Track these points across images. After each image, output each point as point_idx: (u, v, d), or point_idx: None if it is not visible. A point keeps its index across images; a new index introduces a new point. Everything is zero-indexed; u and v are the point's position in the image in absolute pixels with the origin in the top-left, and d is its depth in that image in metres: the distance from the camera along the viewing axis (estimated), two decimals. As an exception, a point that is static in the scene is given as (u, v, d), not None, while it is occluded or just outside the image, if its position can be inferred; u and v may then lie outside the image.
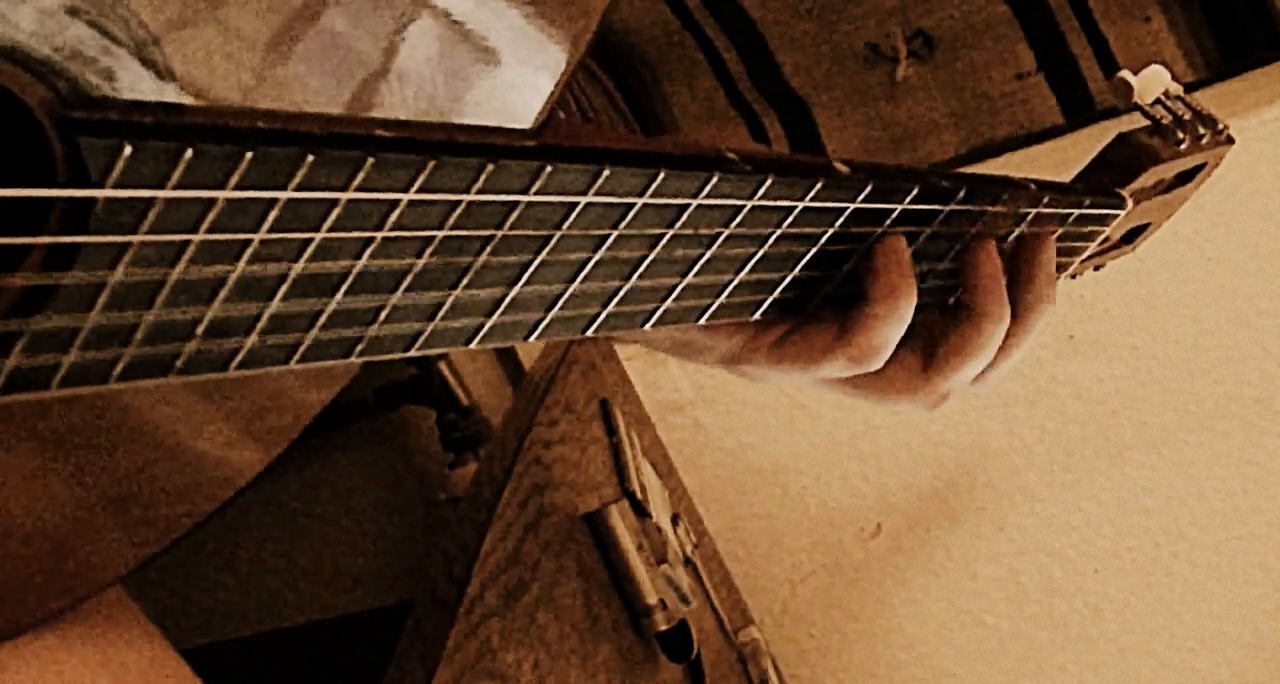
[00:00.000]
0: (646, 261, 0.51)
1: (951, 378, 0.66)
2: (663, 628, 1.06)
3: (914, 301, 0.62)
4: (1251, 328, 1.41)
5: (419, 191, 0.42)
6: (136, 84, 0.39)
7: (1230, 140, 0.76)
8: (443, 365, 1.49)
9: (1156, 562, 1.47)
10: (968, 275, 0.65)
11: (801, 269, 0.59)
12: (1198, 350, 1.42)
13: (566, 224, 0.47)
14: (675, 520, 1.22)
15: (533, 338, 0.50)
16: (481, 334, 0.48)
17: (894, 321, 0.62)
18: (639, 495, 1.15)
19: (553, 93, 0.47)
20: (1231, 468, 1.45)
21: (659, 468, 1.29)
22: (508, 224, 0.45)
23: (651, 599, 1.06)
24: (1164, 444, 1.45)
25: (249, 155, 0.38)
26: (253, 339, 0.43)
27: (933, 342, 0.66)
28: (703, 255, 0.54)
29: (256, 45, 0.41)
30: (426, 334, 0.47)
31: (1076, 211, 0.68)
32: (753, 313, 0.60)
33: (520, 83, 0.46)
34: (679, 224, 0.51)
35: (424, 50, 0.44)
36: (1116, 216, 0.71)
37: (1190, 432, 1.44)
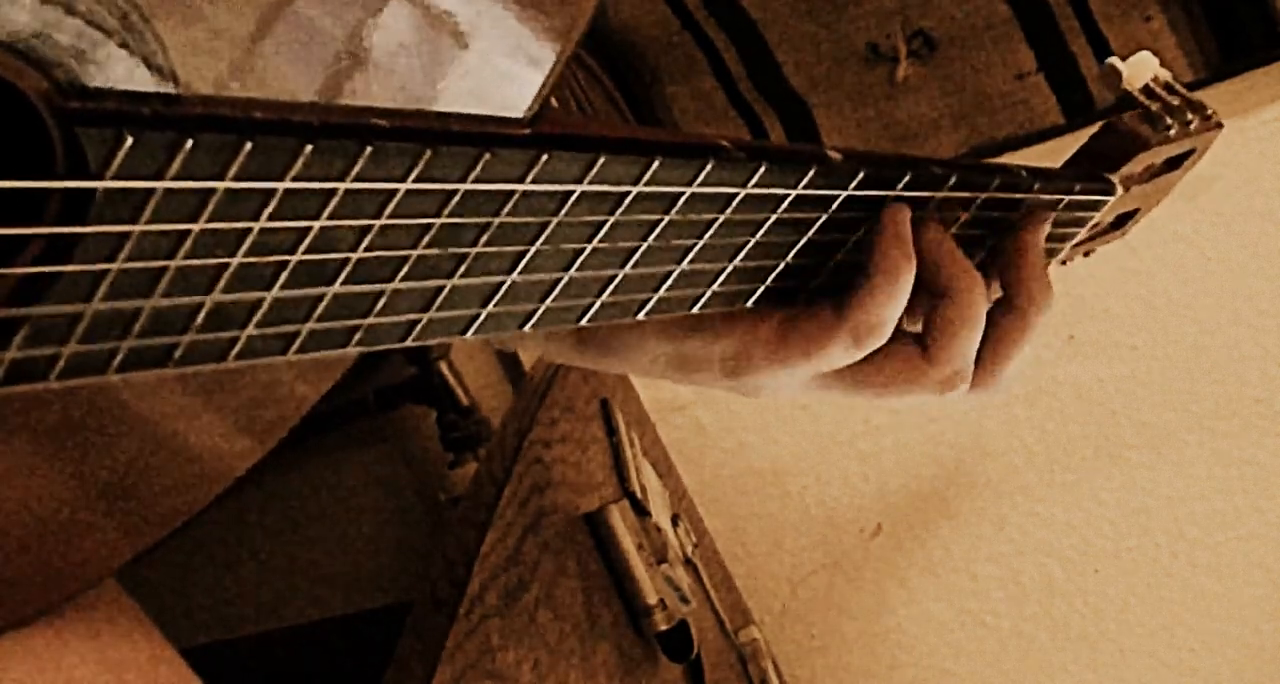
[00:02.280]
0: (641, 250, 0.51)
1: (952, 356, 0.65)
2: (663, 628, 1.06)
3: (912, 276, 0.62)
4: (1251, 328, 1.41)
5: (416, 181, 0.42)
6: (130, 76, 0.39)
7: (1219, 125, 0.76)
8: (443, 365, 1.49)
9: (1156, 562, 1.47)
10: (926, 258, 0.64)
11: (794, 257, 0.59)
12: (1198, 350, 1.42)
13: (562, 212, 0.47)
14: (675, 520, 1.22)
15: (528, 327, 0.50)
16: (478, 323, 0.49)
17: (894, 295, 0.62)
18: (639, 495, 1.15)
19: (543, 85, 0.47)
20: (1231, 468, 1.45)
21: (659, 468, 1.29)
22: (504, 213, 0.45)
23: (651, 599, 1.06)
24: (1164, 444, 1.45)
25: (247, 145, 0.38)
26: (251, 329, 0.43)
27: (925, 326, 0.66)
28: (697, 243, 0.54)
29: (233, 37, 0.41)
30: (423, 323, 0.47)
31: (1067, 197, 0.69)
32: (745, 301, 0.60)
33: (509, 74, 0.46)
34: (673, 212, 0.51)
35: (401, 40, 0.43)
36: (1106, 202, 0.72)
37: (1190, 432, 1.44)
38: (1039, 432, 1.46)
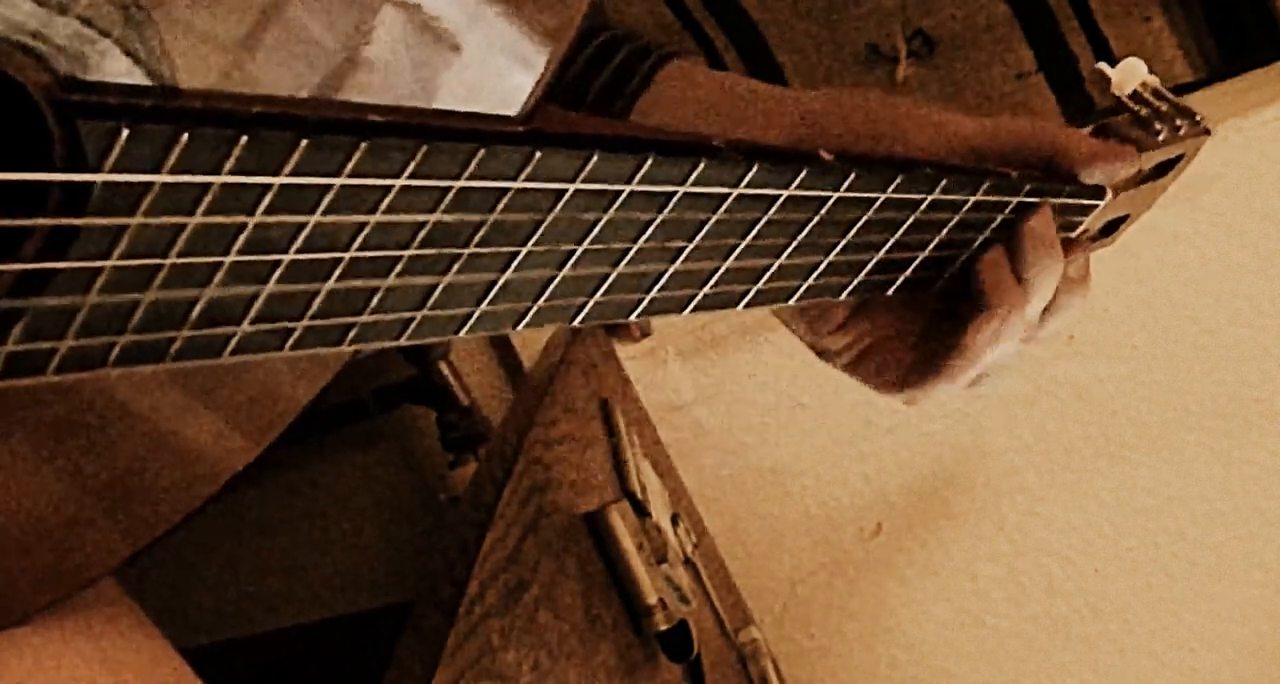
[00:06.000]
0: (634, 249, 0.52)
1: (957, 375, 0.68)
2: (663, 628, 1.06)
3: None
4: (1251, 328, 1.41)
5: (411, 176, 0.42)
6: (128, 75, 0.39)
7: (1207, 132, 0.76)
8: (443, 365, 1.49)
9: (1156, 562, 1.47)
10: (977, 276, 0.67)
11: (787, 257, 0.60)
12: (1198, 350, 1.42)
13: (556, 210, 0.47)
14: (675, 520, 1.22)
15: (521, 326, 0.51)
16: (471, 322, 0.49)
17: (1007, 334, 0.66)
18: (639, 495, 1.15)
19: (536, 86, 0.47)
20: (1231, 468, 1.45)
21: (659, 468, 1.29)
22: (498, 210, 0.46)
23: (651, 599, 1.06)
24: (1164, 444, 1.45)
25: (244, 139, 0.38)
26: (246, 325, 0.43)
27: (937, 337, 0.67)
28: (689, 243, 0.54)
29: (225, 42, 0.41)
30: (417, 321, 0.47)
31: (1056, 201, 0.69)
32: (737, 303, 0.61)
33: (503, 73, 0.46)
34: (666, 210, 0.51)
35: (391, 42, 0.44)
36: (1096, 207, 0.72)
37: (1190, 432, 1.44)
38: (1039, 432, 1.46)
